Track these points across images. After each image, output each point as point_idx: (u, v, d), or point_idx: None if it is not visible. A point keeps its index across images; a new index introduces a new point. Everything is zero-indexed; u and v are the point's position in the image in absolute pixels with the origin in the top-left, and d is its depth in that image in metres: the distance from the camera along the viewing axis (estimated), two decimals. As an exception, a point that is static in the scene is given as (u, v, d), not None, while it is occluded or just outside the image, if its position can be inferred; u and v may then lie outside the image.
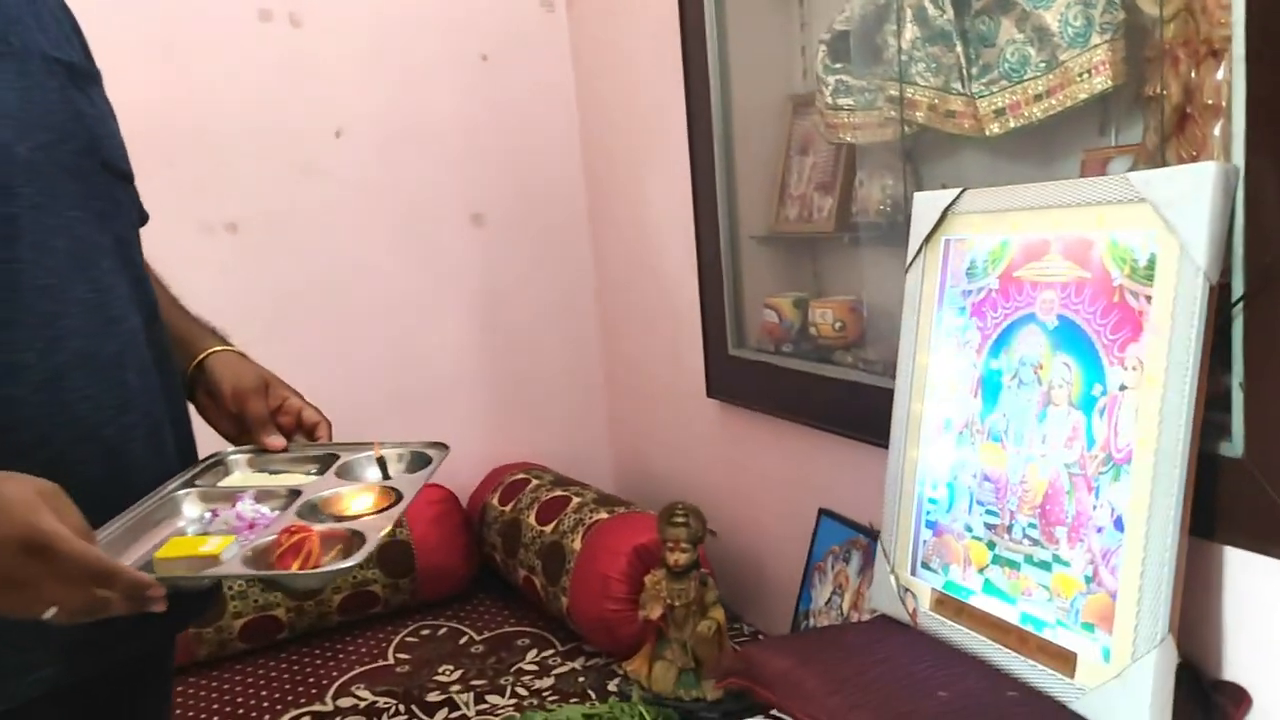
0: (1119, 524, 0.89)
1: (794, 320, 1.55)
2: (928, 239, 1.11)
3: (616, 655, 1.65)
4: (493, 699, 1.56)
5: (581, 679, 1.60)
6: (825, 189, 1.51)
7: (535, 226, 2.16)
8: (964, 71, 1.17)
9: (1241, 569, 0.88)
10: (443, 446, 1.03)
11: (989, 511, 1.04)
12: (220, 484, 0.98)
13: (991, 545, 1.03)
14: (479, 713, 1.52)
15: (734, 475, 1.74)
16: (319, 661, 1.73)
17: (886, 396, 1.31)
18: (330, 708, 1.57)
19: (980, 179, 1.20)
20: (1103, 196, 0.91)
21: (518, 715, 1.48)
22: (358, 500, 0.92)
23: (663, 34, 1.74)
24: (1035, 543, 0.98)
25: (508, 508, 1.91)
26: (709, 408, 1.78)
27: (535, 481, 1.93)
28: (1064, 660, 0.92)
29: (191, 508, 0.93)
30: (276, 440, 1.02)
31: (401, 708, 1.54)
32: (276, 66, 1.90)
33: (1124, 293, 0.90)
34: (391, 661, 1.72)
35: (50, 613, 0.67)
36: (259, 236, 1.92)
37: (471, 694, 1.57)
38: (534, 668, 1.66)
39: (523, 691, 1.58)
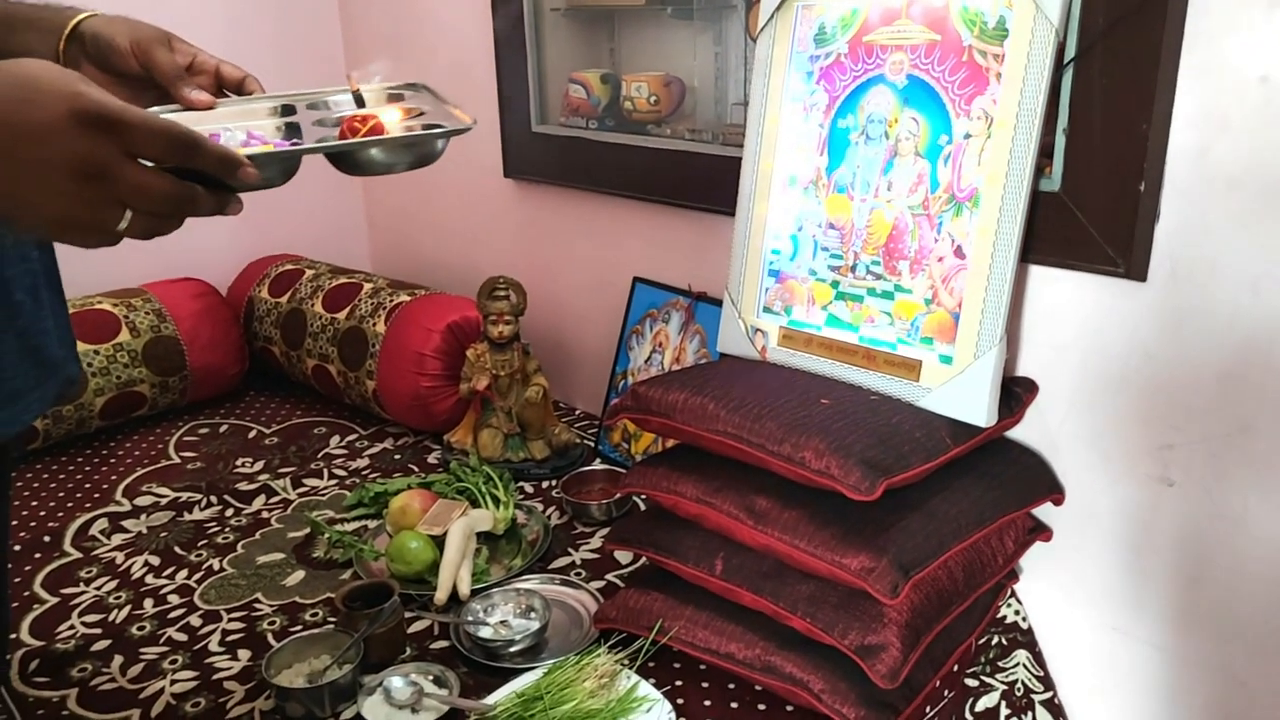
0: (959, 252, 1.06)
1: (601, 95, 1.58)
2: (780, 5, 1.19)
3: (427, 433, 1.67)
4: (311, 482, 1.53)
5: (397, 457, 1.61)
6: (634, -38, 1.52)
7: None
8: None
9: (1042, 283, 1.10)
10: (421, 86, 0.89)
11: (833, 255, 1.18)
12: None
13: (835, 285, 1.18)
14: (300, 495, 1.49)
15: (537, 253, 1.77)
16: (89, 468, 1.59)
17: (710, 161, 1.41)
18: (127, 506, 1.46)
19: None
20: (961, -36, 1.03)
21: (348, 493, 1.48)
22: (385, 116, 0.80)
23: None
24: (878, 277, 1.14)
25: (283, 299, 1.81)
26: (506, 188, 1.78)
27: (311, 271, 1.84)
28: (909, 368, 1.10)
29: None
30: (201, 95, 0.80)
31: (213, 499, 1.48)
32: None
33: (973, 52, 1.04)
34: (176, 460, 1.62)
35: (125, 220, 0.56)
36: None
37: (286, 480, 1.54)
38: (343, 452, 1.64)
39: (340, 473, 1.56)
